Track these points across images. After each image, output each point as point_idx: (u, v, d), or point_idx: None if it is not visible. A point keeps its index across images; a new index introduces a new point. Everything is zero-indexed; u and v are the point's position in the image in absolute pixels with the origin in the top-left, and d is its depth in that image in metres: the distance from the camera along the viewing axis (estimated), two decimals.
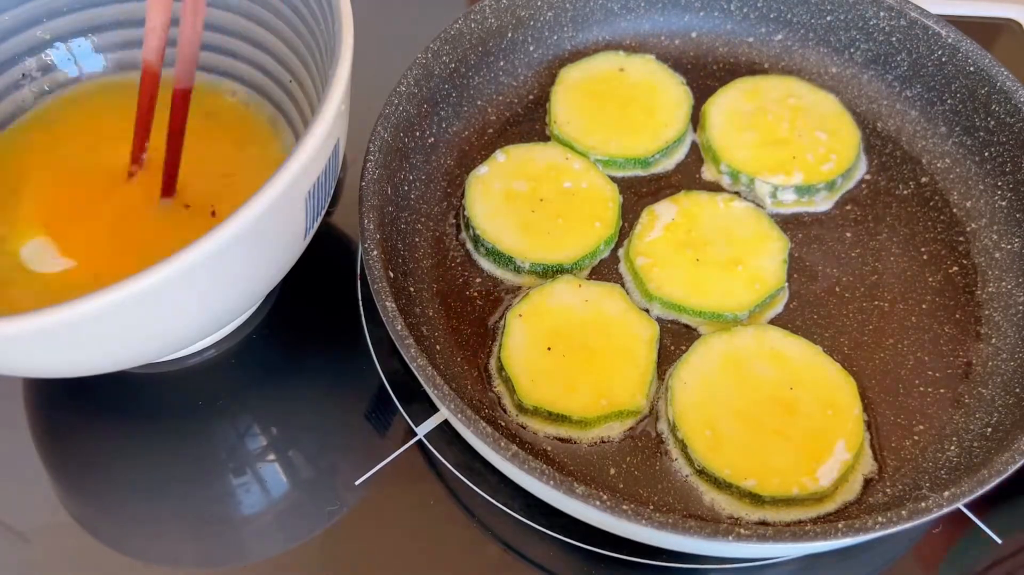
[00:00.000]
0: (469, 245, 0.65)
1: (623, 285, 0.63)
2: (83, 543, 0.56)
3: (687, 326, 0.62)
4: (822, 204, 0.68)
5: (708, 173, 0.69)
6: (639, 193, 0.68)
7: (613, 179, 0.67)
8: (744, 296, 0.61)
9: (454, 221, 0.66)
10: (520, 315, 0.59)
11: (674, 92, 0.71)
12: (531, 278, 0.63)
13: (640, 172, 0.69)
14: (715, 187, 0.69)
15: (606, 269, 0.64)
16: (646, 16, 0.75)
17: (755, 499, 0.54)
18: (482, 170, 0.66)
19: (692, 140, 0.71)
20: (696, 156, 0.70)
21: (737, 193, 0.68)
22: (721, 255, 0.62)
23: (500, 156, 0.67)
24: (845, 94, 0.73)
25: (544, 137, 0.70)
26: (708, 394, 0.57)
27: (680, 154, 0.70)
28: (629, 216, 0.66)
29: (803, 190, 0.67)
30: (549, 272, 0.63)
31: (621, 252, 0.65)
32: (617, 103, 0.70)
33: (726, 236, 0.63)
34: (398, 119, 0.63)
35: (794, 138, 0.69)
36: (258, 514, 0.57)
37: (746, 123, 0.70)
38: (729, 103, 0.71)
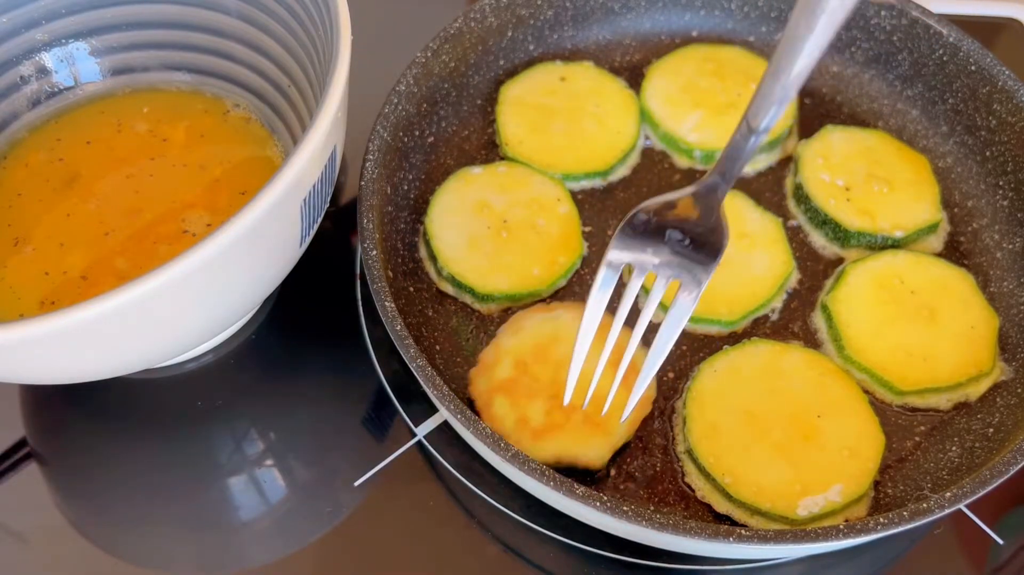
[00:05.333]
0: (419, 227, 0.64)
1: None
2: (81, 548, 0.56)
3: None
4: (788, 150, 0.70)
5: (680, 163, 0.69)
6: (603, 206, 0.67)
7: (571, 192, 0.66)
8: None
9: None
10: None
11: (620, 97, 0.70)
12: (446, 284, 0.62)
13: (599, 183, 0.68)
14: (689, 174, 0.69)
15: None
16: (646, 15, 0.75)
17: (734, 501, 0.54)
18: (475, 170, 0.66)
19: (644, 142, 0.70)
20: (639, 174, 0.69)
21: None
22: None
23: (501, 168, 0.66)
24: (846, 93, 0.73)
25: None
26: (731, 386, 0.57)
27: (634, 158, 0.69)
28: (591, 233, 0.65)
29: (773, 144, 0.68)
30: (457, 284, 0.61)
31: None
32: (565, 115, 0.69)
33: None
34: (397, 118, 0.63)
35: (735, 99, 0.69)
36: (257, 517, 0.57)
37: (687, 102, 0.69)
38: (661, 92, 0.70)
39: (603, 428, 0.55)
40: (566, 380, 0.53)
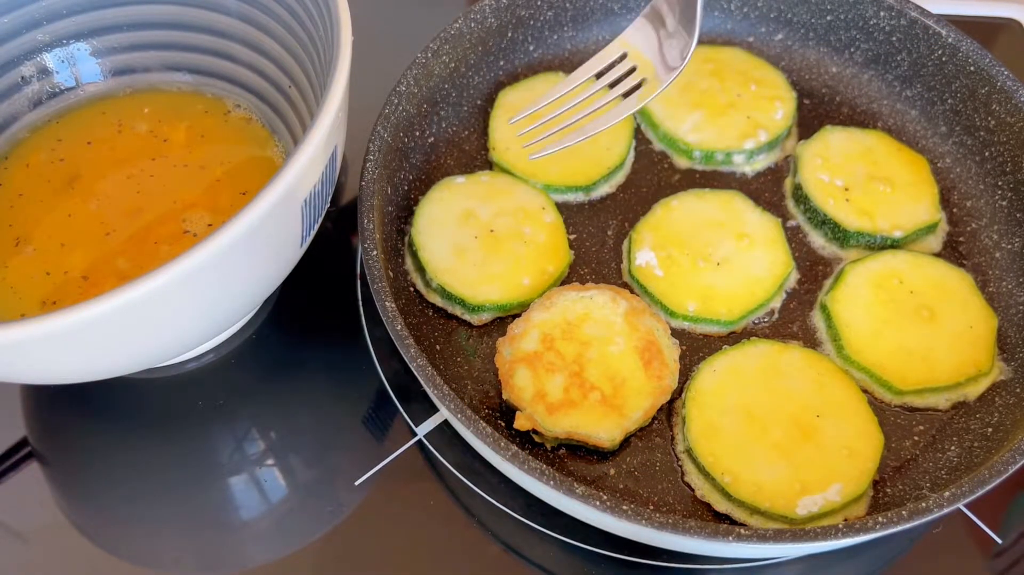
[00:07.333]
0: (405, 237, 0.64)
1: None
2: (81, 548, 0.56)
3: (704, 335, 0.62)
4: (788, 150, 0.70)
5: (680, 163, 0.69)
6: (589, 213, 0.67)
7: (555, 202, 0.65)
8: None
9: None
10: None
11: None
12: (434, 295, 0.62)
13: (581, 197, 0.67)
14: (689, 175, 0.68)
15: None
16: None
17: (733, 500, 0.54)
18: (458, 179, 0.65)
19: (632, 160, 0.69)
20: (638, 174, 0.68)
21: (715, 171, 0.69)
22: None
23: (484, 177, 0.65)
24: (845, 94, 0.73)
25: None
26: (730, 386, 0.57)
27: (621, 176, 0.68)
28: (576, 240, 0.65)
29: (772, 144, 0.69)
30: (447, 295, 0.61)
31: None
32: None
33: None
34: (398, 119, 0.63)
35: (735, 99, 0.69)
36: (258, 516, 0.57)
37: (686, 103, 0.69)
38: (661, 93, 0.69)
39: (619, 410, 0.55)
40: (590, 356, 0.57)
